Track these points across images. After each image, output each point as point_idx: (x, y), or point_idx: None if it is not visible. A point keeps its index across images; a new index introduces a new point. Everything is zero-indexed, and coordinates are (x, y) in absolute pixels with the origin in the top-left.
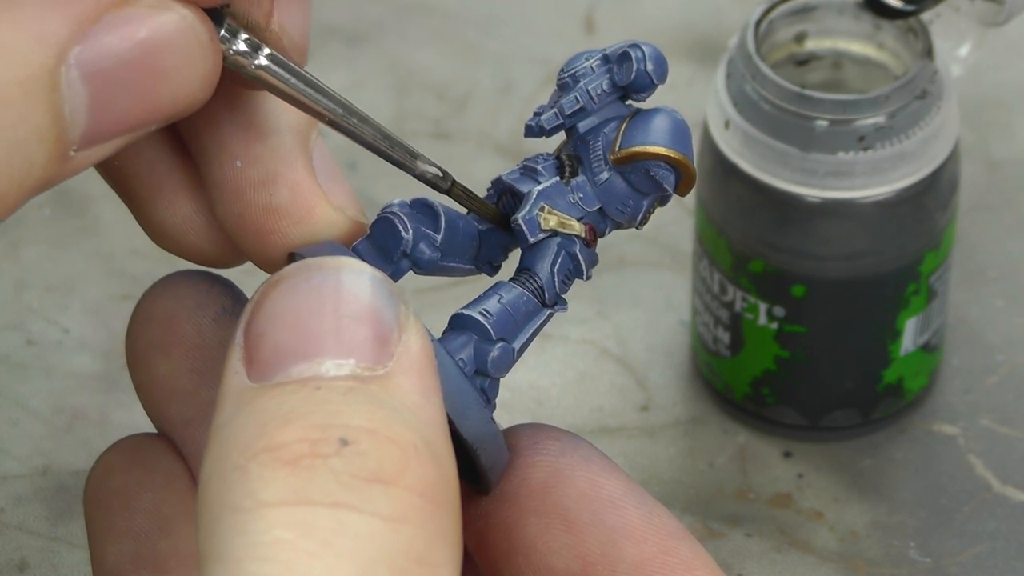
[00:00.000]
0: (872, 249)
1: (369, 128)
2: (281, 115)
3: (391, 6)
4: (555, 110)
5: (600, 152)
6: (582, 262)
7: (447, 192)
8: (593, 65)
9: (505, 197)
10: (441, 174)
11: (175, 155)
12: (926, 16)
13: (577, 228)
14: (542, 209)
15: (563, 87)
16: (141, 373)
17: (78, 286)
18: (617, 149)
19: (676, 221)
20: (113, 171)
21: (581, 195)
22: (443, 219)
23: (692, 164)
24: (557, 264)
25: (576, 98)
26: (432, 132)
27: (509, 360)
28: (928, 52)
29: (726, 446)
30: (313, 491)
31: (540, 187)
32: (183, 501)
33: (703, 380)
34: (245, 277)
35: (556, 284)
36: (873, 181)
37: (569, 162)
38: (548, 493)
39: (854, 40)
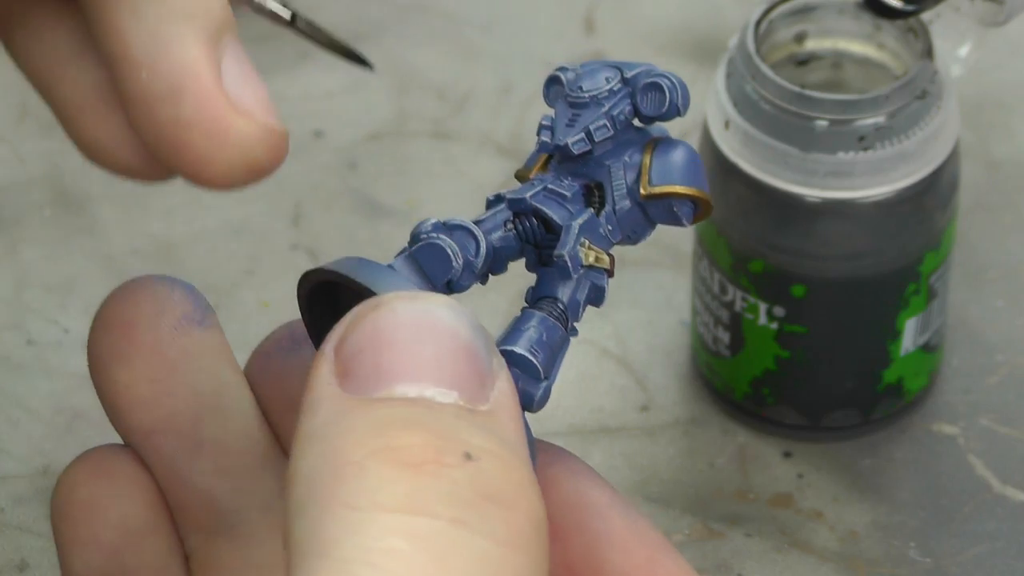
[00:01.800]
0: (872, 249)
1: None
2: (186, 20)
3: (391, 6)
4: (583, 135)
5: (623, 183)
6: (605, 293)
7: (290, 26)
8: (614, 88)
9: (526, 217)
10: (283, 6)
11: (99, 68)
12: (926, 16)
13: (606, 262)
14: (582, 244)
15: (579, 105)
16: (102, 381)
17: (78, 286)
18: (648, 185)
19: None
20: (42, 85)
21: (610, 228)
22: (483, 247)
23: (711, 200)
24: (583, 294)
25: (606, 126)
26: (432, 132)
27: (549, 397)
28: (928, 52)
29: (726, 446)
30: (432, 501)
31: (580, 221)
32: (149, 513)
33: (703, 380)
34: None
35: (580, 314)
36: (873, 181)
37: (598, 192)
38: None
39: (854, 40)
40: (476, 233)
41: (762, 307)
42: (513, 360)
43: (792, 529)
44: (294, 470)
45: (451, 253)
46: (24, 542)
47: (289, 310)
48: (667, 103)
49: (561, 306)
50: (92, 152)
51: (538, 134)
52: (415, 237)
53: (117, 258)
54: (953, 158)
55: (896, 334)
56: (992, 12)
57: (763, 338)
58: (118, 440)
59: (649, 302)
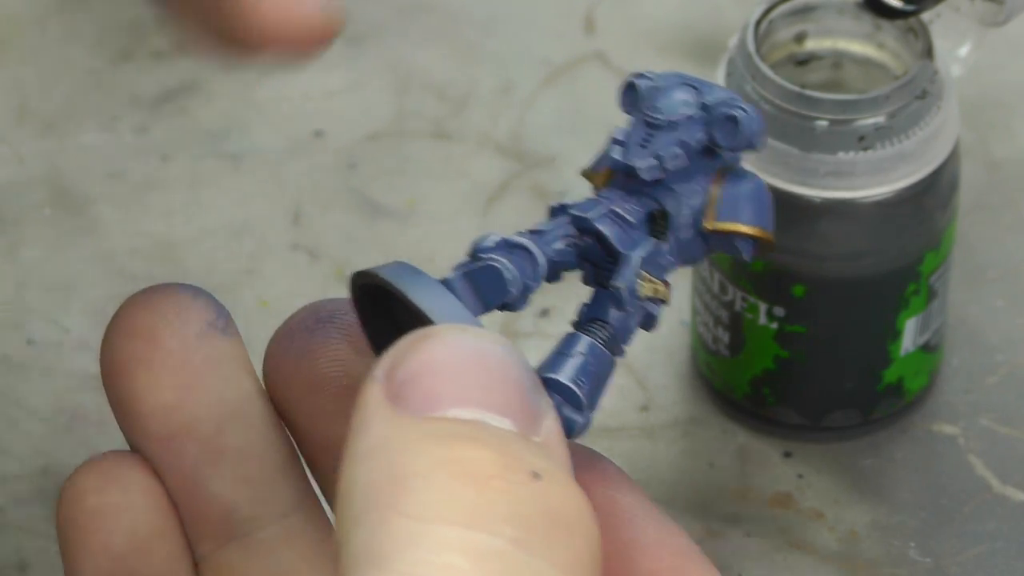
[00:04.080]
0: (872, 249)
1: None
2: None
3: (391, 6)
4: (656, 161)
5: (689, 214)
6: (658, 321)
7: None
8: (693, 114)
9: (588, 234)
10: None
11: None
12: (926, 16)
13: (663, 292)
14: (641, 276)
15: (655, 126)
16: (119, 386)
17: (78, 286)
18: (715, 220)
19: None
20: None
21: (671, 258)
22: (542, 270)
23: (774, 239)
24: (636, 321)
25: (680, 155)
26: (432, 132)
27: (590, 425)
28: (928, 52)
29: (726, 446)
30: (496, 517)
31: (641, 253)
32: (160, 520)
33: (703, 380)
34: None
35: (630, 340)
36: (873, 181)
37: (661, 220)
38: None
39: (854, 40)
40: (536, 256)
41: (762, 307)
42: (557, 389)
43: (792, 529)
44: (351, 482)
45: (509, 279)
46: (24, 542)
47: (289, 309)
48: (742, 137)
49: (611, 330)
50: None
51: (609, 147)
52: (475, 253)
53: (117, 258)
54: (953, 158)
55: (896, 334)
56: (992, 12)
57: (763, 338)
58: (118, 440)
59: None
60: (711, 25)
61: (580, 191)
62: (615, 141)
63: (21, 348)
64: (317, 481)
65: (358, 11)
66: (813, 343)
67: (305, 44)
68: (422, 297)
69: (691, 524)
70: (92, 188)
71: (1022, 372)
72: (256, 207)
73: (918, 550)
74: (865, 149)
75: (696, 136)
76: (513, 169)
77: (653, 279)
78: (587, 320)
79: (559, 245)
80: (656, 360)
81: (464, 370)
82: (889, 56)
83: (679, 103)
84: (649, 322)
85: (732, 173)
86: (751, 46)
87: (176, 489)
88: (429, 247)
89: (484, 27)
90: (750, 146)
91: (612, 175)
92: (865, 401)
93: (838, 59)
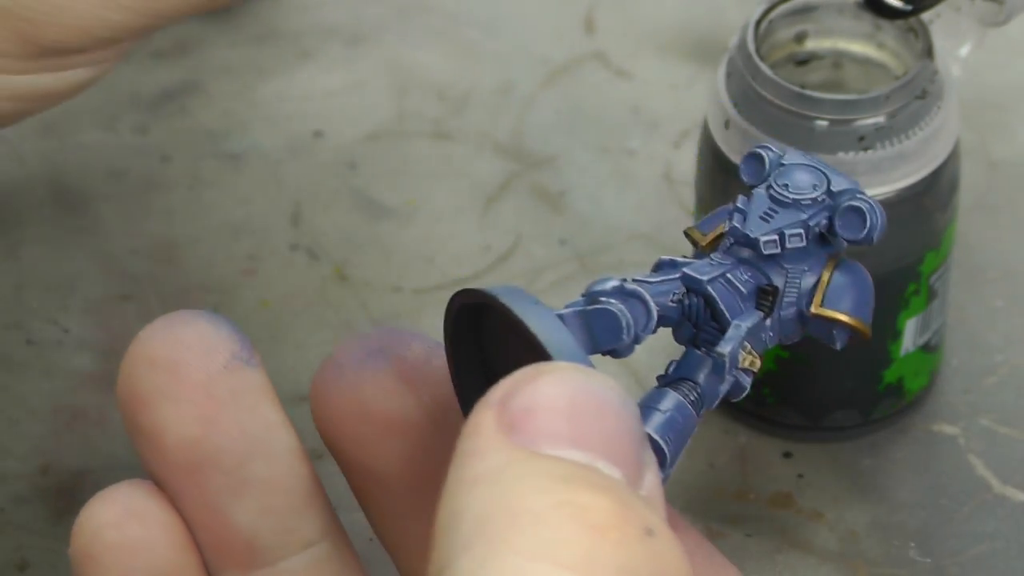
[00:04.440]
0: (872, 249)
1: None
2: None
3: (391, 6)
4: (776, 237)
5: (796, 294)
6: (745, 393)
7: None
8: (819, 198)
9: (695, 295)
10: None
11: None
12: (926, 16)
13: (757, 365)
14: (743, 348)
15: (780, 202)
16: (142, 418)
17: (78, 286)
18: (820, 306)
19: (676, 221)
20: None
21: (771, 334)
22: (654, 323)
23: (870, 333)
24: (725, 388)
25: (800, 236)
26: (432, 132)
27: (668, 481)
28: (928, 52)
29: (726, 446)
30: (609, 569)
31: (749, 325)
32: (179, 556)
33: None
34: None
35: (714, 405)
36: (873, 181)
37: (770, 296)
38: None
39: (854, 40)
40: (651, 309)
41: None
42: None
43: (792, 529)
44: (460, 507)
45: (624, 326)
46: (24, 542)
47: (289, 309)
48: (864, 231)
49: (699, 391)
50: None
51: (730, 214)
52: (592, 295)
53: (117, 258)
54: (953, 158)
55: (896, 334)
56: (992, 12)
57: None
58: (118, 440)
59: None
60: (711, 25)
61: (579, 190)
62: (736, 209)
63: (21, 348)
64: (365, 512)
65: (358, 11)
66: (813, 343)
67: None
68: (541, 328)
69: (691, 524)
70: (92, 188)
71: (1022, 372)
72: (256, 207)
73: (918, 550)
74: (865, 149)
75: (818, 220)
76: (513, 169)
77: (752, 352)
78: (677, 378)
79: (666, 300)
80: (656, 360)
81: (581, 412)
82: (889, 56)
83: (808, 185)
84: (737, 391)
85: (844, 264)
86: (751, 46)
87: (198, 520)
88: (429, 247)
89: (484, 27)
90: (868, 240)
91: (720, 239)
92: (865, 401)
93: (838, 59)
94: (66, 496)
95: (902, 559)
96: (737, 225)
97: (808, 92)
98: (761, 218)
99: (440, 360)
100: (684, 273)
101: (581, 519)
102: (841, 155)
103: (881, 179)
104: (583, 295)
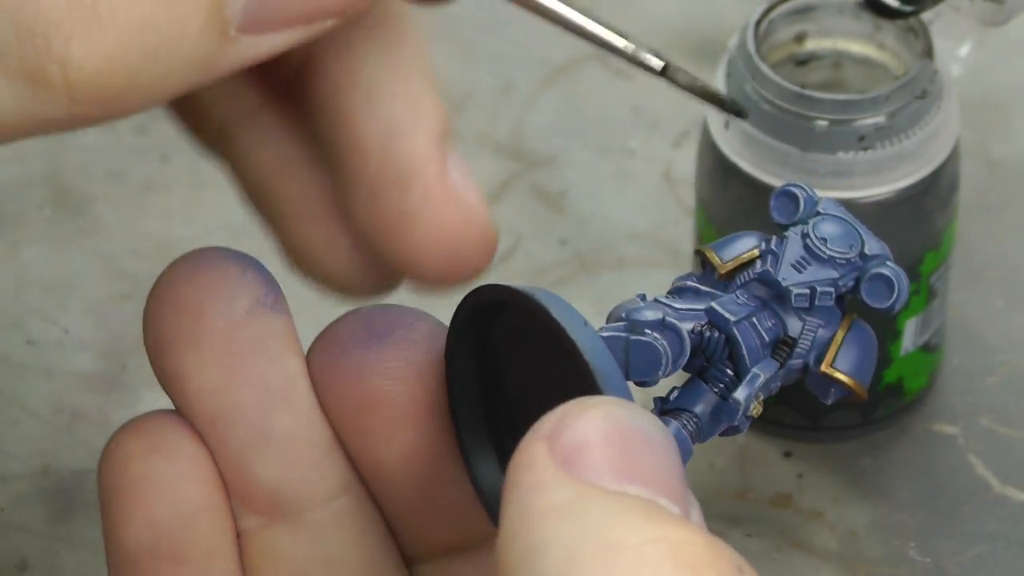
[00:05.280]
0: None
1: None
2: (419, 113)
3: None
4: (808, 291)
5: (808, 345)
6: (742, 432)
7: (661, 75)
8: (853, 259)
9: (717, 330)
10: (658, 58)
11: (319, 176)
12: (926, 16)
13: (759, 411)
14: (757, 397)
15: (814, 255)
16: (165, 363)
17: (78, 286)
18: (831, 365)
19: (676, 221)
20: (259, 192)
21: (778, 383)
22: (686, 356)
23: (866, 394)
24: (722, 428)
25: (831, 294)
26: None
27: None
28: (928, 52)
29: (726, 446)
30: None
31: (766, 375)
32: (205, 492)
33: None
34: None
35: (707, 440)
36: (873, 181)
37: (787, 347)
38: None
39: (854, 40)
40: (685, 347)
41: None
42: None
43: (792, 529)
44: (542, 541)
45: (664, 363)
46: (24, 542)
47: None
48: (890, 301)
49: (697, 423)
50: (305, 260)
51: (761, 251)
52: (635, 324)
53: (117, 258)
54: (953, 158)
55: (896, 334)
56: (992, 12)
57: None
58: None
59: None
60: (711, 25)
61: (579, 190)
62: (769, 251)
63: (21, 348)
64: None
65: None
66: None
67: (464, 267)
68: (594, 356)
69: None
70: (92, 188)
71: (1022, 372)
72: None
73: (918, 550)
74: (865, 149)
75: (847, 281)
76: (513, 169)
77: (759, 399)
78: (675, 407)
79: (688, 328)
80: None
81: (632, 448)
82: (889, 56)
83: (847, 244)
84: (733, 432)
85: (857, 325)
86: (751, 46)
87: (224, 470)
88: None
89: (484, 27)
90: (890, 311)
91: (739, 271)
92: (865, 401)
93: (838, 59)
94: (66, 496)
95: (902, 559)
96: (770, 269)
97: (808, 92)
98: (793, 266)
99: (443, 340)
100: (711, 308)
101: (676, 556)
102: (841, 155)
103: (881, 179)
104: (623, 319)
